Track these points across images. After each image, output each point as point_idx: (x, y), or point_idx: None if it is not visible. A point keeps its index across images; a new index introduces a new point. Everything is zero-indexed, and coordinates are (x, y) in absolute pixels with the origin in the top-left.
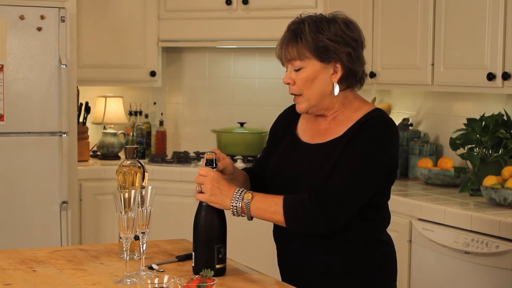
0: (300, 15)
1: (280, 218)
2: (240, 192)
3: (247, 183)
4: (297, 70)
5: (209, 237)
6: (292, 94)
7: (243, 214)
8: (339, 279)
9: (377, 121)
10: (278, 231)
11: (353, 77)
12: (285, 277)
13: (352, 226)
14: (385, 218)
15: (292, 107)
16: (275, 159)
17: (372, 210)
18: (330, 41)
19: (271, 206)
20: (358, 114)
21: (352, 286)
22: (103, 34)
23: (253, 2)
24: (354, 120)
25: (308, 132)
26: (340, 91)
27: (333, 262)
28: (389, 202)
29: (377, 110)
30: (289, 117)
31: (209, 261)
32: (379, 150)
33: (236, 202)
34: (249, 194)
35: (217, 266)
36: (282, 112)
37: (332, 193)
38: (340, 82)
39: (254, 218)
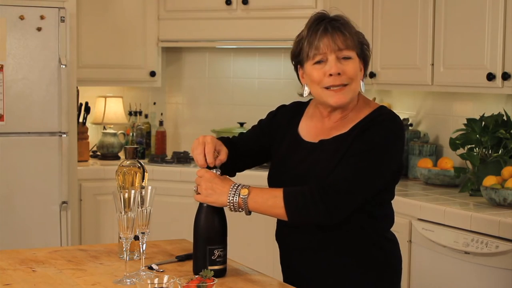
0: (324, 10)
1: (280, 211)
2: (235, 187)
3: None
4: (346, 59)
5: (208, 237)
6: (338, 85)
7: (240, 210)
8: (345, 279)
9: (386, 117)
10: (281, 232)
11: (363, 79)
12: (288, 279)
13: (358, 224)
14: (390, 216)
15: (299, 104)
16: (278, 161)
17: (378, 207)
18: (363, 39)
19: (270, 199)
20: (365, 111)
21: (358, 285)
22: (103, 34)
23: (253, 2)
24: (360, 117)
25: (312, 131)
26: None
27: (340, 263)
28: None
29: (384, 107)
30: (294, 113)
31: (209, 261)
32: (386, 146)
33: (232, 197)
34: (246, 189)
35: (217, 267)
36: (290, 104)
37: (334, 183)
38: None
39: (252, 213)
